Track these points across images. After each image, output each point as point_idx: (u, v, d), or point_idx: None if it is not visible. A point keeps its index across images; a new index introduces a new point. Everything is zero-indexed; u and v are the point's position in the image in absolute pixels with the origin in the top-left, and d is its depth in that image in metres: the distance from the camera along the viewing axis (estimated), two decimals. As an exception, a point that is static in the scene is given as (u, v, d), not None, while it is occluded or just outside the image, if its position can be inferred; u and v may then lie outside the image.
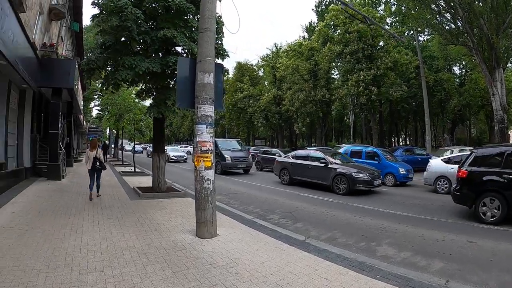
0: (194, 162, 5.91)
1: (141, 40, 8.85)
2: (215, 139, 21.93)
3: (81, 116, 33.33)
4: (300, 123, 38.46)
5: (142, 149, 48.98)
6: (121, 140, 28.78)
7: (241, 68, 48.69)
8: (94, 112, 48.38)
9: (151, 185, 10.86)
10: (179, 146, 47.23)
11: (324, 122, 41.29)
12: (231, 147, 19.87)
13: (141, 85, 10.90)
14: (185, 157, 30.46)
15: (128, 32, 8.37)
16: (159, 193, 10.04)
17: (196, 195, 5.75)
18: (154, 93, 10.32)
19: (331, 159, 13.04)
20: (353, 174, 11.76)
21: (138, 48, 9.51)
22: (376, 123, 35.90)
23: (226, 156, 18.76)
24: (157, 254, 4.77)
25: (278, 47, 46.40)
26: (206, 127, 5.72)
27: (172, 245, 5.22)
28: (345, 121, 48.13)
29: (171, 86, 9.87)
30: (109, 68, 9.45)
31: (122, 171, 17.07)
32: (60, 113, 13.83)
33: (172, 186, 11.67)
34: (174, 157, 29.19)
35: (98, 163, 9.36)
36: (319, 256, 4.92)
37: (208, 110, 5.75)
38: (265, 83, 48.45)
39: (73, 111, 20.75)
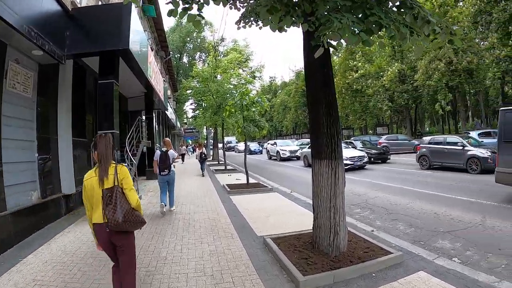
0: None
1: None
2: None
3: (173, 116, 29.51)
4: (442, 100, 29.20)
5: (261, 149, 40.07)
6: (221, 138, 23.52)
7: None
8: (190, 114, 45.60)
9: (302, 229, 5.16)
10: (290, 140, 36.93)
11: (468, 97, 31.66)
12: None
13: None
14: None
15: None
16: (342, 269, 3.79)
17: None
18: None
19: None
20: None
21: None
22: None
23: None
24: None
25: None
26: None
27: None
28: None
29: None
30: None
31: (227, 184, 11.21)
32: (114, 104, 8.33)
33: (359, 236, 5.01)
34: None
35: (203, 155, 15.93)
36: None
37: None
38: (379, 58, 39.19)
39: (154, 106, 15.70)
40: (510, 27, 22.59)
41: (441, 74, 28.07)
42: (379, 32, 3.23)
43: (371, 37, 3.17)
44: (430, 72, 28.87)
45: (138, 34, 8.80)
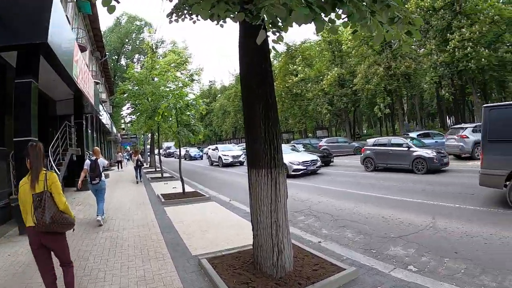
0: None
1: None
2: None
3: (109, 121, 27.76)
4: (381, 104, 30.79)
5: (201, 154, 38.67)
6: (158, 143, 22.60)
7: (289, 49, 41.45)
8: (127, 119, 43.39)
9: (242, 244, 4.84)
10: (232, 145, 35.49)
11: (404, 101, 34.37)
12: None
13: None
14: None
15: None
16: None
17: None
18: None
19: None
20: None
21: None
22: (479, 97, 28.35)
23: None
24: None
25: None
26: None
27: None
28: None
29: None
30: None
31: (162, 194, 10.50)
32: (32, 106, 7.39)
33: (305, 250, 4.61)
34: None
35: (139, 162, 15.92)
36: None
37: None
38: (319, 63, 40.53)
39: (84, 110, 14.38)
40: (448, 34, 24.53)
41: (380, 79, 29.39)
42: (332, 13, 2.83)
43: (324, 24, 2.82)
44: (369, 76, 30.11)
45: (61, 28, 7.92)
